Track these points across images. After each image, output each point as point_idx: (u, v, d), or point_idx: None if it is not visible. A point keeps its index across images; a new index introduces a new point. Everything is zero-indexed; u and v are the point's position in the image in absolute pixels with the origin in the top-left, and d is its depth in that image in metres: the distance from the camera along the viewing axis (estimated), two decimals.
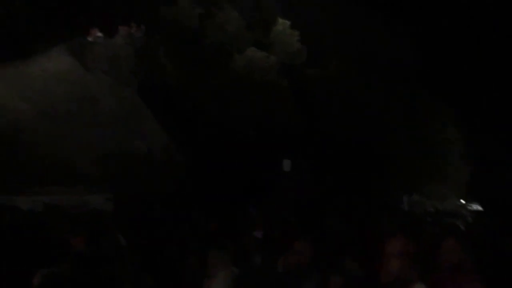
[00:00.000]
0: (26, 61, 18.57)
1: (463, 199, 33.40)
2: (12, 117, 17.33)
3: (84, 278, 4.04)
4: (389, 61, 31.94)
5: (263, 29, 40.81)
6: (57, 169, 17.27)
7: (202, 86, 25.92)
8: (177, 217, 10.18)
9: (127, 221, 8.96)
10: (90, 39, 22.33)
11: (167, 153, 20.09)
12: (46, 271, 4.03)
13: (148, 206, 12.36)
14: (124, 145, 19.12)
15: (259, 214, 10.24)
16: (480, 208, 29.87)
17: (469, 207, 30.06)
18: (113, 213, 13.24)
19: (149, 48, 25.34)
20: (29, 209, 9.62)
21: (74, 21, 21.11)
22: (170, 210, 11.92)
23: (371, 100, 30.56)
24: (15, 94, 17.72)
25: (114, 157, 18.63)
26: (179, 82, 24.66)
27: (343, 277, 4.33)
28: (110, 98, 20.13)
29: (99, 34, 22.68)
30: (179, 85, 24.39)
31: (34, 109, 17.71)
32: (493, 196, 28.88)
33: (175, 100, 22.75)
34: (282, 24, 37.60)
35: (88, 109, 18.93)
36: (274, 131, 24.92)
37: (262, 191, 20.47)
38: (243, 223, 9.34)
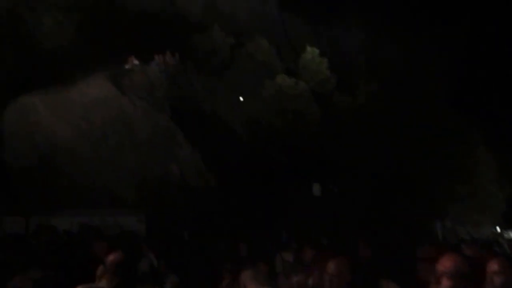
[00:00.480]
0: (67, 87, 19.33)
1: (499, 227, 31.88)
2: (54, 140, 18.02)
3: None
4: (419, 84, 31.54)
5: (293, 57, 41.27)
6: (93, 191, 17.67)
7: (234, 111, 26.21)
8: (210, 239, 10.12)
9: (160, 243, 8.99)
10: (127, 66, 23.10)
11: (200, 177, 20.23)
12: None
13: (180, 228, 12.36)
14: (158, 169, 19.43)
15: (290, 237, 10.07)
16: None
17: (506, 235, 28.58)
18: (146, 234, 13.35)
19: (183, 74, 25.91)
20: (66, 229, 9.78)
21: (112, 50, 21.92)
22: (203, 232, 11.87)
23: (401, 126, 30.05)
24: (57, 118, 18.46)
25: (148, 181, 18.95)
26: (212, 108, 25.03)
27: None
28: (145, 123, 20.58)
29: (136, 61, 23.45)
30: (212, 111, 24.75)
31: (74, 133, 18.36)
32: None
33: (208, 125, 23.02)
34: (311, 52, 37.94)
35: (124, 134, 19.42)
36: (305, 156, 24.75)
37: (293, 215, 20.19)
38: (274, 245, 9.19)
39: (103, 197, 17.52)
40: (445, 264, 3.00)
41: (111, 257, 4.19)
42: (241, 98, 30.77)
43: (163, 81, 23.10)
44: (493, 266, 3.43)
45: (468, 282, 2.96)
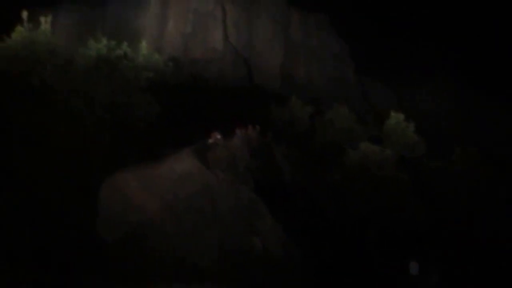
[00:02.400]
0: (157, 163, 21.07)
1: None
2: (142, 214, 19.45)
3: None
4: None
5: (376, 123, 41.26)
6: (176, 264, 18.47)
7: (317, 182, 26.43)
8: None
9: None
10: (211, 141, 24.73)
11: (284, 250, 20.26)
12: None
13: None
14: (241, 242, 19.85)
15: None
16: None
17: None
18: None
19: (264, 147, 27.01)
20: None
21: (198, 127, 23.82)
22: None
23: (499, 189, 28.19)
24: (147, 193, 19.99)
25: (230, 253, 19.39)
26: (295, 179, 25.51)
27: None
28: (227, 196, 21.44)
29: (219, 136, 25.07)
30: (295, 182, 25.20)
31: (161, 207, 19.66)
32: None
33: (291, 197, 23.41)
34: (396, 117, 37.74)
35: (207, 207, 20.36)
36: (397, 229, 23.86)
37: None
38: None
39: (185, 270, 18.20)
40: None
41: None
42: (323, 168, 31.01)
43: (245, 154, 24.27)
44: None
45: None
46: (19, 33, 26.08)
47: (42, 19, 26.87)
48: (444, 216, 28.86)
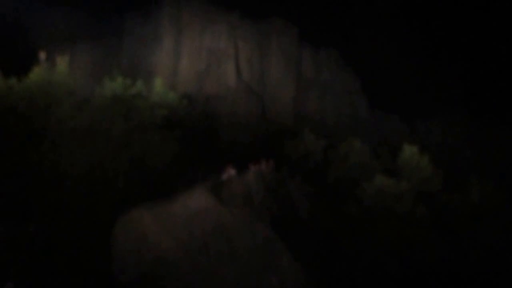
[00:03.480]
0: (171, 200, 21.01)
1: None
2: (157, 253, 19.26)
3: None
4: None
5: (390, 156, 40.92)
6: None
7: (333, 218, 26.07)
8: None
9: None
10: (225, 177, 24.67)
11: None
12: None
13: None
14: (258, 281, 19.46)
15: None
16: None
17: None
18: None
19: (279, 182, 26.86)
20: None
21: (212, 162, 23.86)
22: None
23: None
24: (161, 231, 19.87)
25: None
26: (311, 215, 25.19)
27: None
28: (243, 233, 21.20)
29: (233, 171, 25.03)
30: (311, 218, 24.88)
31: (177, 245, 19.49)
32: None
33: (308, 233, 23.05)
34: (409, 149, 37.39)
35: (223, 244, 20.11)
36: (417, 265, 23.23)
37: None
38: None
39: None
40: None
41: None
42: (338, 203, 30.63)
43: (260, 190, 24.10)
44: None
45: None
46: (37, 74, 26.68)
47: (59, 59, 27.51)
48: (463, 250, 28.14)
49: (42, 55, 27.76)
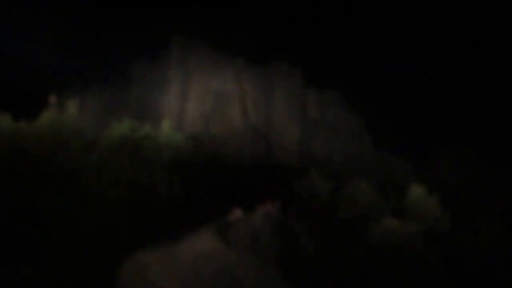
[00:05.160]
0: (177, 242, 20.86)
1: None
2: None
3: None
4: None
5: (397, 197, 40.62)
6: None
7: (340, 258, 25.65)
8: None
9: None
10: (231, 218, 24.52)
11: None
12: None
13: None
14: None
15: None
16: None
17: None
18: None
19: (286, 223, 26.64)
20: None
21: (218, 203, 23.83)
22: None
23: None
24: (167, 273, 19.62)
25: None
26: (317, 255, 24.81)
27: None
28: (251, 275, 20.87)
29: (239, 213, 24.89)
30: (319, 259, 24.49)
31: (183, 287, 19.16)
32: None
33: (315, 274, 22.63)
34: (416, 190, 37.22)
35: (230, 285, 19.77)
36: None
37: None
38: None
39: None
40: None
41: None
42: (346, 244, 30.21)
43: (267, 231, 23.88)
44: None
45: None
46: (47, 117, 27.30)
47: (69, 103, 28.22)
48: None
49: (52, 99, 28.52)
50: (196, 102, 52.84)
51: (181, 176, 26.36)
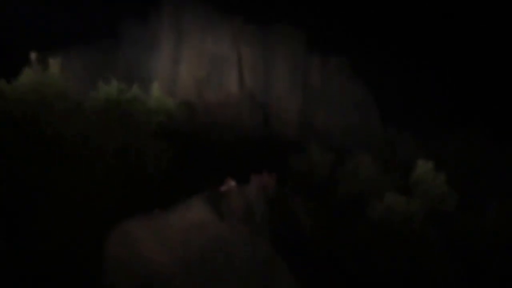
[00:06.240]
0: (167, 211, 21.41)
1: None
2: (151, 267, 19.60)
3: None
4: None
5: (402, 173, 41.21)
6: None
7: (338, 236, 26.35)
8: None
9: None
10: (224, 188, 25.00)
11: None
12: None
13: None
14: None
15: None
16: None
17: None
18: None
19: (281, 197, 27.19)
20: None
21: (211, 174, 24.28)
22: None
23: None
24: (155, 244, 20.22)
25: None
26: (314, 232, 25.49)
27: None
28: (243, 249, 21.49)
29: (233, 183, 25.35)
30: (314, 235, 25.17)
31: (171, 259, 19.82)
32: None
33: (310, 250, 23.33)
34: (424, 166, 37.71)
35: (221, 260, 20.42)
36: None
37: None
38: None
39: None
40: None
41: None
42: (345, 221, 30.91)
43: (262, 203, 24.43)
44: None
45: None
46: (27, 75, 27.23)
47: (51, 61, 28.06)
48: (476, 278, 28.35)
49: (33, 56, 28.33)
50: (189, 65, 52.68)
51: (172, 144, 26.68)
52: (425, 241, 29.03)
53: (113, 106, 26.07)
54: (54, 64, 28.24)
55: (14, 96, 26.27)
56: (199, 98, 50.10)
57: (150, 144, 24.93)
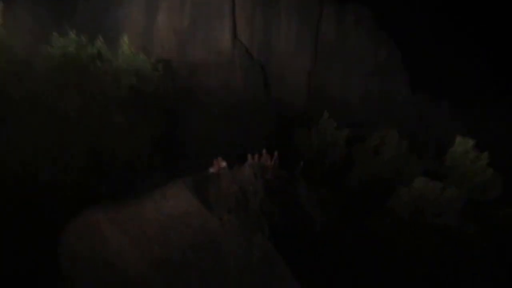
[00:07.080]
0: (142, 201, 21.15)
1: None
2: (120, 273, 19.47)
3: None
4: None
5: (435, 152, 41.11)
6: None
7: (354, 231, 26.29)
8: None
9: None
10: (213, 171, 24.76)
11: None
12: None
13: None
14: None
15: None
16: None
17: None
18: None
19: (284, 182, 27.00)
20: None
21: (196, 152, 24.01)
22: None
23: None
24: (124, 240, 20.06)
25: None
26: (323, 226, 25.39)
27: None
28: (235, 247, 21.38)
29: (224, 164, 25.08)
30: (324, 230, 25.07)
31: (146, 258, 19.68)
32: None
33: (320, 251, 23.25)
34: (462, 143, 37.55)
35: (209, 258, 20.32)
36: None
37: None
38: None
39: None
40: None
41: None
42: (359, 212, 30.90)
43: (259, 190, 24.24)
44: None
45: None
46: None
47: None
48: None
49: None
50: (167, 15, 51.91)
51: (145, 113, 26.31)
52: (461, 236, 29.13)
53: (71, 64, 25.55)
54: None
55: None
56: (181, 56, 49.53)
57: (117, 112, 24.49)
